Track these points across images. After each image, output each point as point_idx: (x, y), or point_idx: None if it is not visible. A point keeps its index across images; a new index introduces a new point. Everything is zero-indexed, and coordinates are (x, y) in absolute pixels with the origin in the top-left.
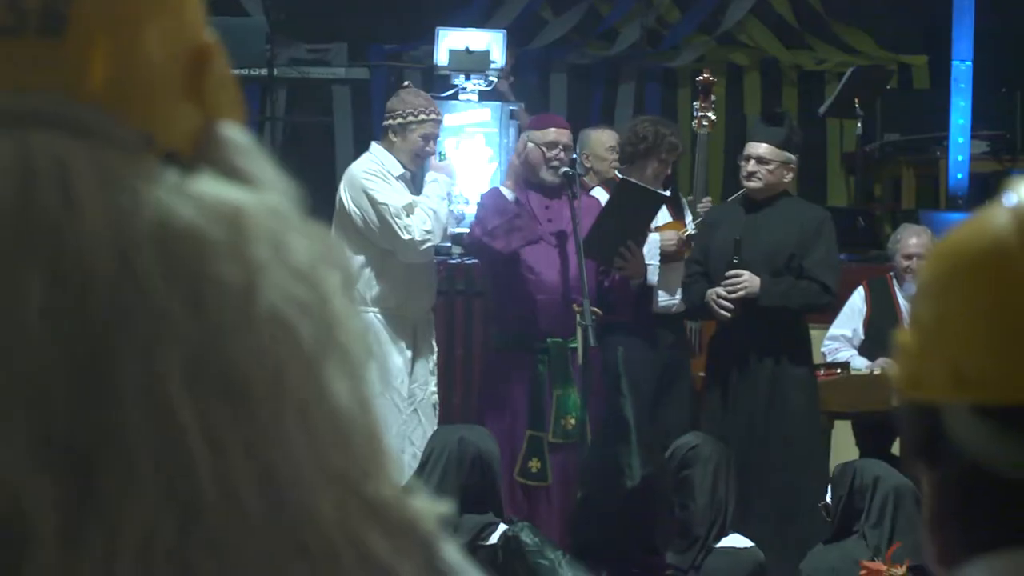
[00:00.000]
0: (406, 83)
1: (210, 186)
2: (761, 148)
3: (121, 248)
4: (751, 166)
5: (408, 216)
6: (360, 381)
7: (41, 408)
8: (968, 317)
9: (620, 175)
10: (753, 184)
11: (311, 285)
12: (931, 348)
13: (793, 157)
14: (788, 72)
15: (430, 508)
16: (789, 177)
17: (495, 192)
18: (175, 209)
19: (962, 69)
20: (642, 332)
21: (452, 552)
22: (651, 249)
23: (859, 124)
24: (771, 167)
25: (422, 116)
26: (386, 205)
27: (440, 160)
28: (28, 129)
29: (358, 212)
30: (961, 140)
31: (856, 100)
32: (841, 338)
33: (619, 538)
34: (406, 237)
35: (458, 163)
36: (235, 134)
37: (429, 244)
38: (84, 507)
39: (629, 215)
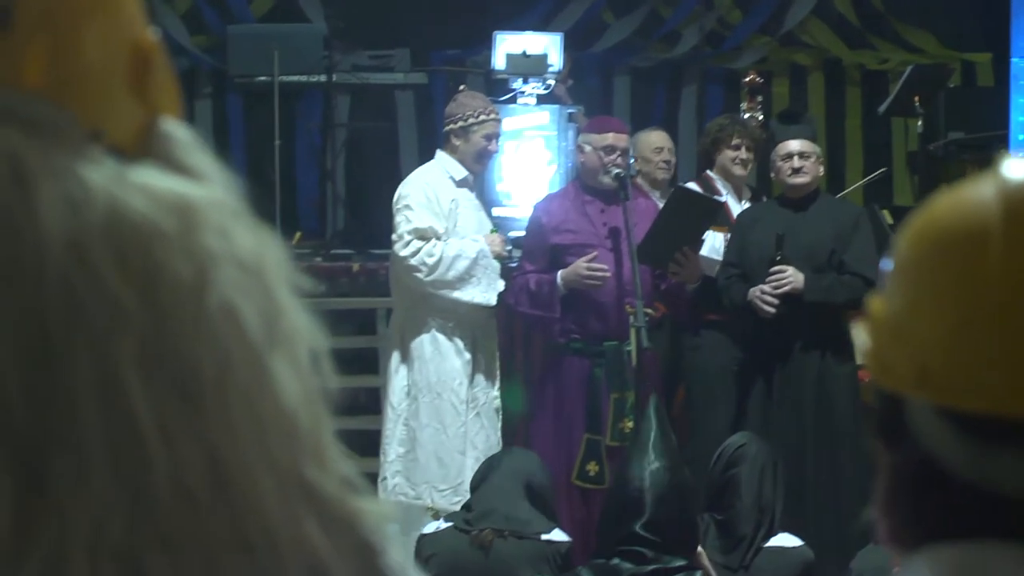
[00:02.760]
0: (462, 87)
1: (158, 178)
2: (800, 144)
3: (74, 238)
4: (796, 162)
5: (420, 240)
6: (305, 373)
7: None
8: (939, 311)
9: (710, 174)
10: (800, 179)
11: (257, 277)
12: (900, 332)
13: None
14: (851, 72)
15: (375, 508)
16: (822, 171)
17: (552, 280)
18: (126, 200)
19: (1021, 66)
20: (718, 330)
21: (394, 555)
22: (709, 250)
23: (919, 122)
24: (812, 160)
25: (482, 117)
26: (407, 219)
27: (492, 232)
28: None
29: (394, 207)
30: (1021, 137)
31: (916, 98)
32: None
33: (640, 538)
34: (403, 252)
35: (505, 244)
36: (176, 130)
37: (418, 275)
38: (37, 498)
39: (684, 221)
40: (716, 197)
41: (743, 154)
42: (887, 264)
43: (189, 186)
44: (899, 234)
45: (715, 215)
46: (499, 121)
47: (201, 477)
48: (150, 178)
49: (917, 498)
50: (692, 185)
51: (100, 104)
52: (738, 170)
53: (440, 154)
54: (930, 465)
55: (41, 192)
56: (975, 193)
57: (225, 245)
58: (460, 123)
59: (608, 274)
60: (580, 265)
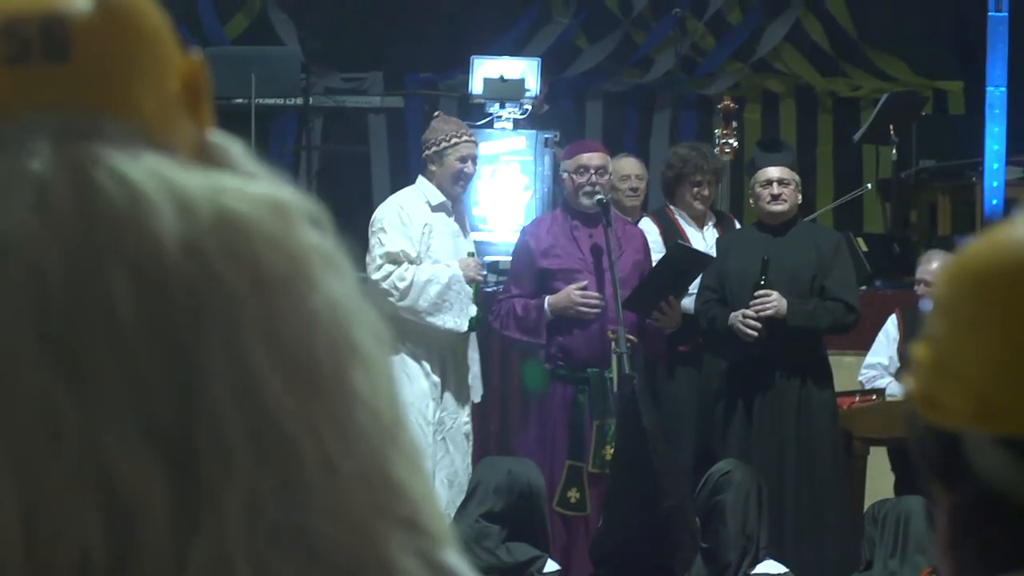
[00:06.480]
0: (436, 112)
1: (243, 182)
2: (779, 171)
3: (186, 238)
4: (775, 188)
5: (391, 263)
6: (383, 364)
7: (146, 400)
8: (991, 344)
9: (672, 208)
10: (779, 206)
11: (340, 271)
12: (949, 369)
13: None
14: (823, 99)
15: (437, 505)
16: (800, 198)
17: (540, 306)
18: (227, 203)
19: (996, 95)
20: (687, 361)
21: (454, 555)
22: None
23: (894, 150)
24: (791, 187)
25: (454, 140)
26: (380, 243)
27: (468, 256)
28: (65, 140)
29: (370, 230)
30: (996, 166)
31: (891, 126)
32: (878, 366)
33: (637, 564)
34: (375, 276)
35: (479, 268)
36: (227, 140)
37: (390, 299)
38: (189, 488)
39: (675, 275)
40: (708, 253)
41: (705, 190)
42: (926, 306)
43: (272, 187)
44: (937, 279)
45: (705, 267)
46: (474, 143)
47: (338, 448)
48: (237, 181)
49: (982, 535)
50: (649, 221)
51: (165, 122)
52: (699, 205)
53: (420, 179)
54: (993, 500)
55: (150, 200)
56: (1010, 232)
57: (316, 241)
58: (434, 148)
59: (602, 302)
60: (574, 293)
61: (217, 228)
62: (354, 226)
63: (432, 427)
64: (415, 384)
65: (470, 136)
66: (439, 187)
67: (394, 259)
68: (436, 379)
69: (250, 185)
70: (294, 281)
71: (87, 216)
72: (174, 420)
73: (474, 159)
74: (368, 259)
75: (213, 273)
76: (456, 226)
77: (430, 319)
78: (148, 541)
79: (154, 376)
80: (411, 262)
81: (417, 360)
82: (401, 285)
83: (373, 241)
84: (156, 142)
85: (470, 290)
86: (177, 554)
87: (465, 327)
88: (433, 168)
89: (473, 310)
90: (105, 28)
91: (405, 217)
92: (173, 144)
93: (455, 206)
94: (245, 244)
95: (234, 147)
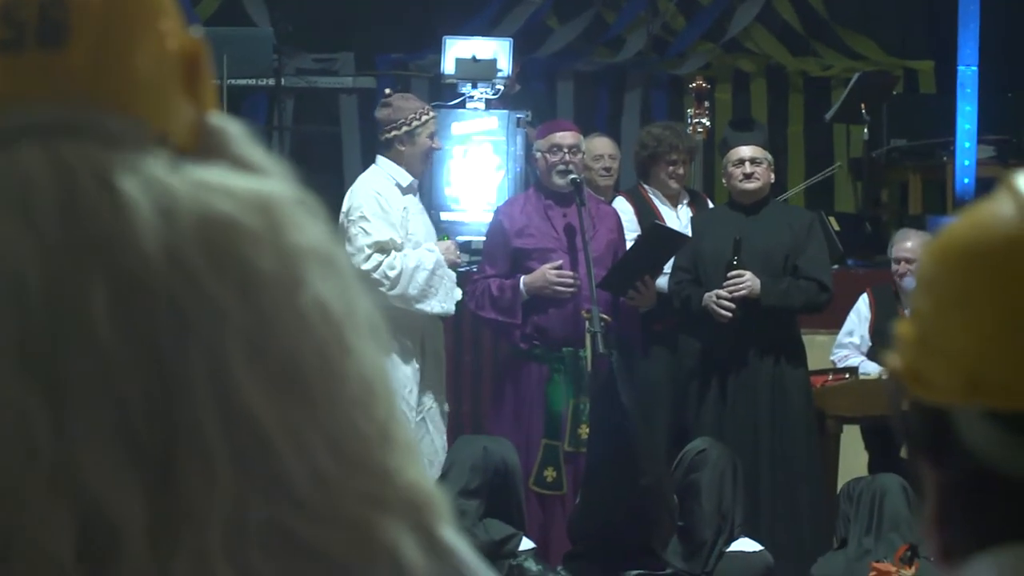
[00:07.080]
0: (388, 91)
1: (233, 178)
2: (751, 150)
3: (169, 245)
4: (747, 167)
5: (379, 253)
6: (378, 356)
7: (125, 414)
8: (979, 319)
9: (645, 187)
10: (751, 185)
11: (332, 266)
12: (936, 346)
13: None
14: (794, 78)
15: (433, 486)
16: (772, 177)
17: (515, 285)
18: (211, 203)
19: (968, 74)
20: (662, 341)
21: (451, 532)
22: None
23: (865, 130)
24: (764, 166)
25: (424, 117)
26: (364, 232)
27: (442, 239)
28: (55, 140)
29: (344, 219)
30: (968, 145)
31: (862, 106)
32: (850, 345)
33: (616, 541)
34: (364, 266)
35: (457, 251)
36: (228, 123)
37: (380, 288)
38: (169, 503)
39: (651, 254)
40: (684, 232)
41: (680, 169)
42: (909, 284)
43: (263, 183)
44: (921, 257)
45: (680, 247)
46: (436, 117)
47: (325, 453)
48: (226, 178)
49: (972, 511)
50: (623, 200)
51: (163, 107)
52: (674, 184)
53: (383, 160)
54: (982, 476)
55: (133, 202)
56: (992, 208)
57: (305, 238)
58: (404, 128)
59: (577, 281)
60: (549, 273)
61: (201, 233)
62: (326, 206)
63: (413, 412)
64: (398, 371)
65: (433, 111)
66: (407, 167)
67: (382, 248)
68: (417, 365)
69: (240, 181)
70: (282, 283)
71: (70, 224)
72: (154, 434)
73: (439, 134)
74: (351, 249)
75: (196, 281)
76: (422, 205)
77: (419, 306)
78: (127, 558)
79: (133, 390)
80: (397, 249)
81: (399, 346)
82: (391, 274)
83: (355, 230)
84: (151, 130)
85: (453, 273)
86: (158, 570)
87: (452, 310)
88: (402, 148)
89: (458, 293)
90: (106, 7)
91: (384, 203)
92: (169, 130)
93: (420, 185)
94: (230, 248)
95: (233, 130)
